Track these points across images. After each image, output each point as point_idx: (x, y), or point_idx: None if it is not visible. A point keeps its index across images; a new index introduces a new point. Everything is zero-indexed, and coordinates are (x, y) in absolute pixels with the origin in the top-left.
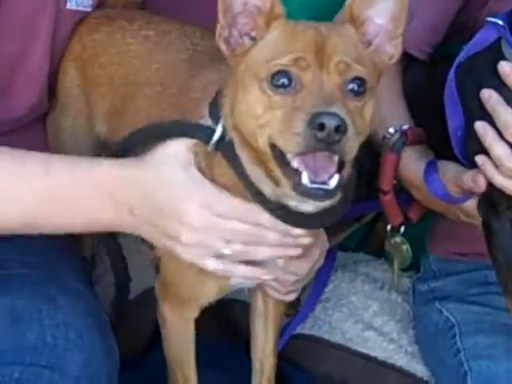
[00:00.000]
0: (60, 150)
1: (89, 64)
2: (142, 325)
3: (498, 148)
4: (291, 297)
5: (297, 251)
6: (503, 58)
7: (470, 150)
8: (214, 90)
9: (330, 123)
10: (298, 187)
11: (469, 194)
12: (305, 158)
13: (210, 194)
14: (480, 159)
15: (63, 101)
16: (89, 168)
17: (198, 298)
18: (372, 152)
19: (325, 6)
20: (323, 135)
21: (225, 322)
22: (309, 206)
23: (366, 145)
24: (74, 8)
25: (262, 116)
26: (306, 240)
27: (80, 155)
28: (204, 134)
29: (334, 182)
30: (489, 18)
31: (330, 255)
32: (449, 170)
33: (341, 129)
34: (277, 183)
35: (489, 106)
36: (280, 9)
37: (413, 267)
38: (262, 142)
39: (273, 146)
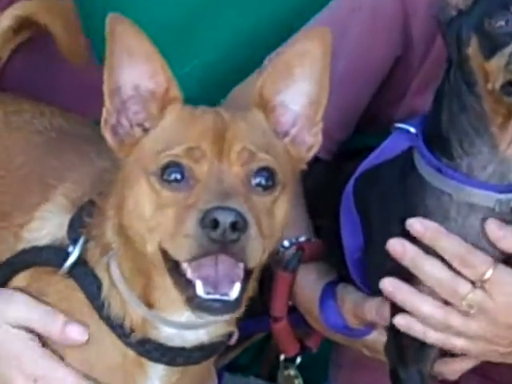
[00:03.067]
0: None
1: None
2: None
3: (424, 305)
4: None
5: None
6: (414, 170)
7: (372, 275)
8: (74, 182)
9: (225, 219)
10: (192, 300)
11: (371, 326)
12: (200, 265)
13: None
14: (388, 287)
15: None
16: None
17: None
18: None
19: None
20: (217, 234)
21: None
22: (186, 339)
23: None
24: None
25: (151, 217)
26: None
27: None
28: (56, 256)
29: (235, 293)
30: (399, 125)
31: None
32: (348, 296)
33: (238, 226)
34: (150, 306)
35: (406, 261)
36: (176, 92)
37: None
38: (152, 249)
39: (165, 253)
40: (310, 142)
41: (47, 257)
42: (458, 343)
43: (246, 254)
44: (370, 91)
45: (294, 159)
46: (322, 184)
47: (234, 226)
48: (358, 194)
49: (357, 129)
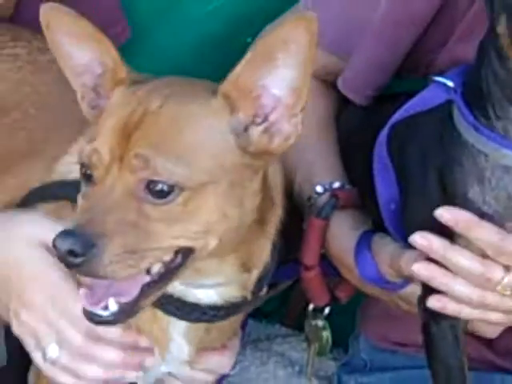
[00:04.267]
0: None
1: None
2: None
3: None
4: None
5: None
6: (452, 125)
7: (408, 227)
8: None
9: (61, 246)
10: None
11: (407, 279)
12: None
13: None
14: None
15: None
16: None
17: None
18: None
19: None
20: (61, 258)
21: None
22: (198, 297)
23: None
24: None
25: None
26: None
27: None
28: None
29: (109, 310)
30: (436, 78)
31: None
32: (384, 248)
33: (76, 252)
34: None
35: (434, 254)
36: (122, 73)
37: (342, 343)
38: None
39: None
40: (288, 131)
41: (71, 191)
42: (493, 317)
43: (102, 272)
44: (411, 37)
45: (259, 150)
46: (356, 129)
47: (71, 252)
48: (392, 143)
49: (396, 73)
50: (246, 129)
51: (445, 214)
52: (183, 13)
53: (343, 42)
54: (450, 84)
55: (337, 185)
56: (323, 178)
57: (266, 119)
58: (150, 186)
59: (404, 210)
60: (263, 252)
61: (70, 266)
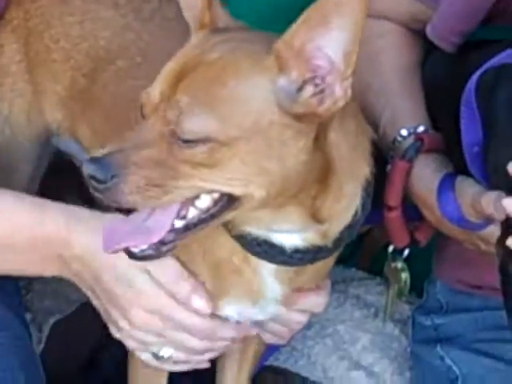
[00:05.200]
0: None
1: (36, 36)
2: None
3: None
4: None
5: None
6: None
7: (492, 170)
8: None
9: (86, 171)
10: None
11: (488, 219)
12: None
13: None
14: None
15: None
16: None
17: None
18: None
19: None
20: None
21: None
22: (281, 240)
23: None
24: None
25: None
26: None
27: (13, 154)
28: None
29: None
30: None
31: None
32: (466, 189)
33: (98, 178)
34: None
35: None
36: (206, 17)
37: (416, 288)
38: None
39: None
40: (340, 95)
41: None
42: None
43: (124, 200)
44: None
45: (306, 111)
46: (442, 75)
47: (93, 178)
48: (481, 89)
49: (484, 21)
50: (299, 89)
51: None
52: None
53: None
54: None
55: (421, 129)
56: (408, 121)
57: (319, 80)
58: (179, 132)
59: (488, 153)
60: (334, 206)
61: (95, 190)
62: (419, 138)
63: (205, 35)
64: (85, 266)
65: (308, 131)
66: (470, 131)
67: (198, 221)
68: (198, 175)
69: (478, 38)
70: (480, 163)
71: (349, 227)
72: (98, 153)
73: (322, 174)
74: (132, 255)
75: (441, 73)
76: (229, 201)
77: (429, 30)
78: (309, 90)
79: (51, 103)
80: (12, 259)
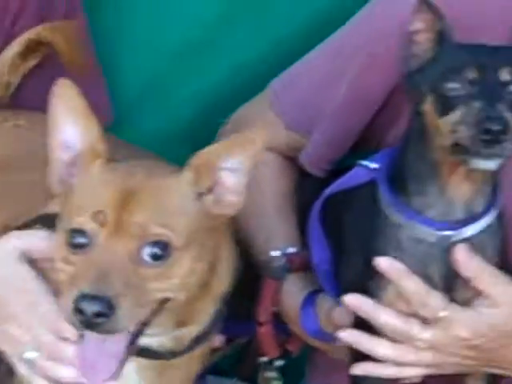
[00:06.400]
0: None
1: None
2: None
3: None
4: None
5: None
6: (376, 200)
7: (342, 288)
8: None
9: (87, 309)
10: None
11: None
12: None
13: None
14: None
15: None
16: None
17: None
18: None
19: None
20: (82, 320)
21: None
22: None
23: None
24: None
25: (60, 267)
26: None
27: None
28: None
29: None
30: (360, 162)
31: (199, 382)
32: (324, 304)
33: (102, 313)
34: None
35: (362, 313)
36: (100, 148)
37: None
38: None
39: None
40: (233, 200)
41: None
42: (412, 372)
43: (114, 329)
44: (366, 118)
45: (214, 216)
46: (311, 199)
47: (97, 314)
48: (328, 212)
49: (350, 149)
50: (201, 196)
51: (382, 261)
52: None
53: (305, 122)
54: (373, 166)
55: (291, 250)
56: (280, 243)
57: (215, 191)
58: (150, 248)
59: (337, 271)
60: (204, 311)
61: (92, 326)
62: (289, 259)
63: (107, 166)
64: None
65: (215, 231)
66: (319, 251)
67: (138, 331)
68: (159, 287)
69: (345, 165)
70: (330, 279)
71: (203, 333)
72: (86, 290)
73: (208, 277)
74: None
75: (312, 196)
76: (160, 305)
77: (302, 157)
78: (209, 197)
79: None
80: None
